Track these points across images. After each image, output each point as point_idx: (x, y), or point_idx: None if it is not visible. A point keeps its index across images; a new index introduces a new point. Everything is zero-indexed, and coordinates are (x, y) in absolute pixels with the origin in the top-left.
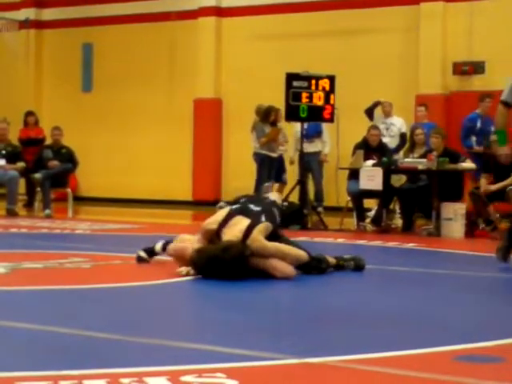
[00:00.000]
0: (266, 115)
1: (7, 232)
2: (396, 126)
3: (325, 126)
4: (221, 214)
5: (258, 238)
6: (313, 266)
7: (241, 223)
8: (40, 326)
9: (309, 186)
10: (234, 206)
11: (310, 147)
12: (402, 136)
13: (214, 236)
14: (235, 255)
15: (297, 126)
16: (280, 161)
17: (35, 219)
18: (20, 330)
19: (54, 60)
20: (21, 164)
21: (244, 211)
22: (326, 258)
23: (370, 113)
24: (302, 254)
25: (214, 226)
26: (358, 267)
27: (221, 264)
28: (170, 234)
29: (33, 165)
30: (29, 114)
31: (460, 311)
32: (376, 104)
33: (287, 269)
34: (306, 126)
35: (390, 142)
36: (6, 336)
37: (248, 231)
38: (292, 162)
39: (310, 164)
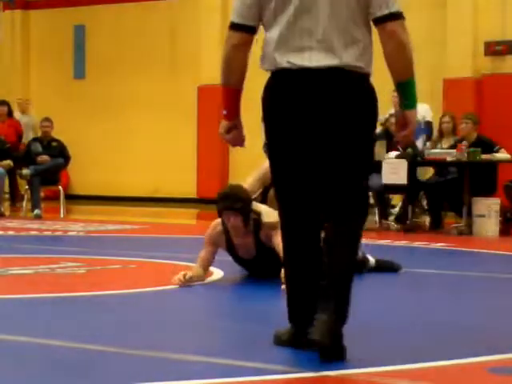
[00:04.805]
0: None
1: None
2: (419, 113)
3: None
4: (217, 221)
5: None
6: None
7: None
8: (29, 338)
9: None
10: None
11: None
12: (428, 124)
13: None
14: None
15: None
16: None
17: (23, 220)
18: (7, 342)
19: (42, 44)
20: (7, 162)
21: None
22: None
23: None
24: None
25: (220, 227)
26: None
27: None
28: (173, 236)
29: (20, 160)
30: None
31: (495, 317)
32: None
33: None
34: None
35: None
36: None
37: None
38: None
39: None
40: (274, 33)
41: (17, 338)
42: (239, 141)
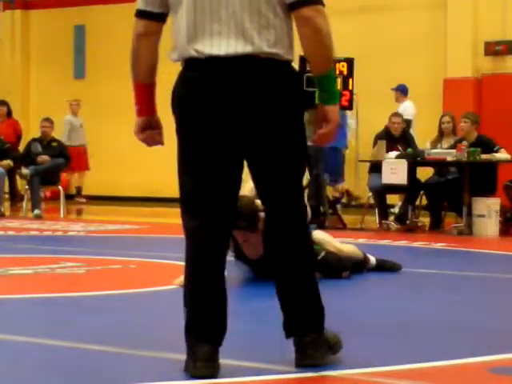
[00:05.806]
0: None
1: None
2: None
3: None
4: None
5: None
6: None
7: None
8: (28, 338)
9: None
10: None
11: None
12: (406, 123)
13: None
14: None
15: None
16: None
17: (23, 220)
18: (6, 342)
19: (42, 44)
20: (7, 162)
21: None
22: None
23: None
24: None
25: None
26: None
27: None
28: (173, 236)
29: (20, 160)
30: None
31: (495, 317)
32: None
33: None
34: None
35: None
36: None
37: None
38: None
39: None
40: (181, 18)
41: (17, 338)
42: (155, 141)
